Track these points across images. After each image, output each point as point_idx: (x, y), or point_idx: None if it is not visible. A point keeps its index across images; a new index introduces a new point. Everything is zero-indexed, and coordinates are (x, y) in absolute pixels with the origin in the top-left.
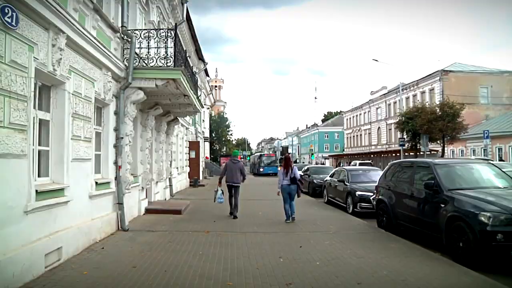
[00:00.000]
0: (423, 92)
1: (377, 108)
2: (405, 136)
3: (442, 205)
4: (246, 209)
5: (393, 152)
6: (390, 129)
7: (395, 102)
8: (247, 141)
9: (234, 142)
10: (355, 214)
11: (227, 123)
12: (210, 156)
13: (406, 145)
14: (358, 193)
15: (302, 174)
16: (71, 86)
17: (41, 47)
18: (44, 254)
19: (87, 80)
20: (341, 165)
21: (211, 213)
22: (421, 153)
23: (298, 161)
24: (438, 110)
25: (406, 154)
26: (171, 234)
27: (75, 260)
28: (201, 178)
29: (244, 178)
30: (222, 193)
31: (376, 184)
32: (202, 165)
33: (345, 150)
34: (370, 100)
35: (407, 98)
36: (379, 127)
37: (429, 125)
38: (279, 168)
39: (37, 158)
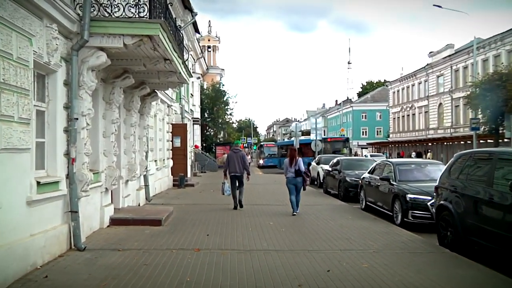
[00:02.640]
0: (510, 51)
1: (438, 76)
2: (479, 116)
3: None
4: (251, 218)
5: (461, 139)
6: (457, 106)
7: (465, 67)
8: (253, 124)
9: (235, 125)
10: (406, 226)
11: (225, 98)
12: (202, 145)
13: (482, 128)
14: (409, 196)
15: (330, 169)
16: None
17: None
18: None
19: (20, 35)
20: (384, 156)
21: (203, 222)
22: (505, 140)
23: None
24: None
25: (481, 141)
26: (147, 254)
27: None
28: (189, 175)
29: (247, 172)
30: (229, 185)
31: (436, 184)
32: (190, 157)
33: (390, 136)
34: (427, 65)
35: (485, 60)
36: (440, 104)
37: None
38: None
39: None
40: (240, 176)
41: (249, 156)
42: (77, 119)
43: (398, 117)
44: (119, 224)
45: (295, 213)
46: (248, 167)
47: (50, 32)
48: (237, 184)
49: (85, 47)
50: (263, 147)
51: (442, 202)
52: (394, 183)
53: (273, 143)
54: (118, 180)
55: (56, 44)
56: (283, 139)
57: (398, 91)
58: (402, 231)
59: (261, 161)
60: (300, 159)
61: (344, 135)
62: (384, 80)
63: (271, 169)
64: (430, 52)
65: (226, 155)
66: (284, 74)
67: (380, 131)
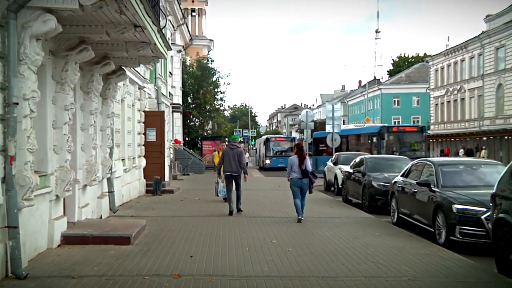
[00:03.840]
0: None
1: (497, 48)
2: None
3: None
4: (248, 234)
5: None
6: None
7: None
8: (252, 111)
9: (227, 113)
10: (452, 246)
11: (214, 78)
12: (184, 139)
13: None
14: (457, 206)
15: (351, 171)
16: None
17: None
18: None
19: None
20: (423, 154)
21: (185, 239)
22: None
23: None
24: None
25: None
26: (111, 283)
27: None
28: (167, 178)
29: (244, 171)
30: (224, 185)
31: (493, 191)
32: (169, 154)
33: (431, 128)
34: (483, 33)
35: None
36: (500, 85)
37: None
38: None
39: None
40: (237, 176)
41: (247, 155)
42: (17, 104)
43: (442, 103)
44: (74, 242)
45: (301, 219)
46: (246, 166)
47: None
48: (233, 185)
49: (27, 7)
50: (269, 142)
51: (501, 215)
52: (436, 189)
53: (285, 136)
54: (73, 185)
55: None
56: (290, 133)
57: (442, 68)
58: (447, 253)
59: (267, 161)
60: (307, 158)
61: (418, 124)
62: (424, 54)
63: (279, 171)
64: (487, 16)
65: (216, 152)
66: (291, 48)
67: (418, 121)
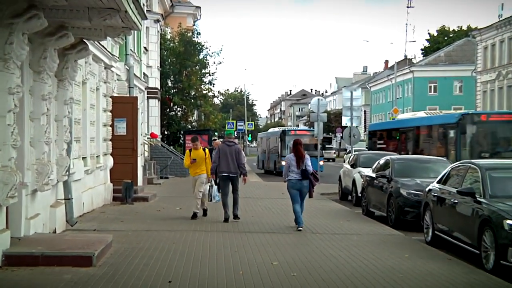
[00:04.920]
0: None
1: None
2: None
3: None
4: (243, 253)
5: None
6: None
7: None
8: (248, 98)
9: (218, 101)
10: (503, 273)
11: (201, 56)
12: (163, 133)
13: None
14: (509, 222)
15: (373, 175)
16: None
17: None
18: None
19: None
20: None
21: (162, 260)
22: None
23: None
24: None
25: None
26: None
27: None
28: (140, 182)
29: (243, 172)
30: (218, 188)
31: None
32: (143, 152)
33: None
34: None
35: None
36: None
37: None
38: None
39: None
40: (234, 178)
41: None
42: None
43: (492, 90)
44: (20, 263)
45: (300, 228)
46: (244, 166)
47: None
48: (230, 188)
49: None
50: (287, 136)
51: None
52: (482, 200)
53: (307, 129)
54: (19, 190)
55: None
56: (297, 126)
57: (493, 45)
58: (496, 281)
59: (283, 163)
60: (307, 157)
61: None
62: (468, 27)
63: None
64: None
65: (188, 151)
66: (299, 19)
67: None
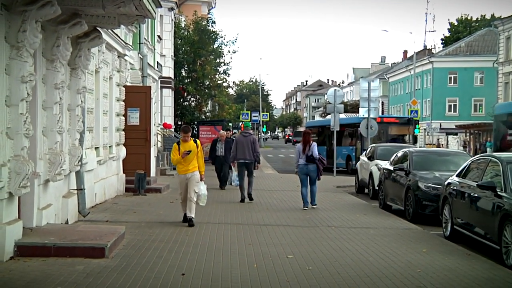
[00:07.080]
0: None
1: None
2: None
3: None
4: (257, 247)
5: None
6: None
7: None
8: (264, 89)
9: (232, 91)
10: None
11: (216, 45)
12: (176, 123)
13: None
14: None
15: (391, 168)
16: None
17: None
18: None
19: None
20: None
21: (175, 252)
22: None
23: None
24: None
25: None
26: None
27: None
28: (153, 173)
29: (257, 159)
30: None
31: None
32: (156, 143)
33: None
34: None
35: None
36: None
37: None
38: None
39: None
40: (249, 164)
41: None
42: None
43: None
44: (32, 254)
45: (305, 208)
46: (259, 154)
47: None
48: (245, 173)
49: None
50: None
51: None
52: (503, 194)
53: (398, 116)
54: (32, 180)
55: None
56: (313, 117)
57: None
58: None
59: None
60: (314, 144)
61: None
62: (491, 16)
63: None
64: None
65: (175, 144)
66: (316, 8)
67: (481, 105)
